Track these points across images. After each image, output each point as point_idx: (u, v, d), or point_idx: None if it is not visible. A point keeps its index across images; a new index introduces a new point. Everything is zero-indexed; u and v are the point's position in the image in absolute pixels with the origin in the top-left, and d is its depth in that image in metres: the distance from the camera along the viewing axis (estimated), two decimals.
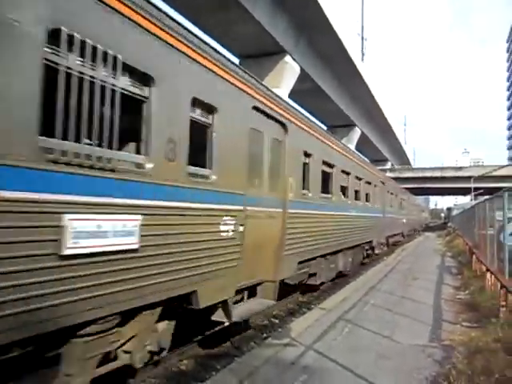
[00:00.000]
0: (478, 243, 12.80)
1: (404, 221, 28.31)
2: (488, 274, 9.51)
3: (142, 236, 3.75)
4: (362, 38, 53.92)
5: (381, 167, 45.52)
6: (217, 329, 6.95)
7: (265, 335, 7.28)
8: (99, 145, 3.43)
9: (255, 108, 6.24)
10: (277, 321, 8.27)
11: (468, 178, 53.46)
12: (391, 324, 7.26)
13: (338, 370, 5.05)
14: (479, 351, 5.12)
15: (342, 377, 4.85)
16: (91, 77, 3.33)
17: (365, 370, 5.03)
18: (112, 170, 3.51)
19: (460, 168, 60.49)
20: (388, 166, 66.54)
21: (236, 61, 19.73)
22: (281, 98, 7.27)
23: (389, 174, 43.47)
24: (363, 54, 51.52)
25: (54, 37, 3.02)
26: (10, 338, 2.81)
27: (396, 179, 38.48)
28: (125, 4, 3.58)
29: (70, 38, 3.12)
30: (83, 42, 3.21)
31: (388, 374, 4.94)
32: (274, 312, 8.75)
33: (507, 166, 57.64)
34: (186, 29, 4.50)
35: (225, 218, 5.18)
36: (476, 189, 51.23)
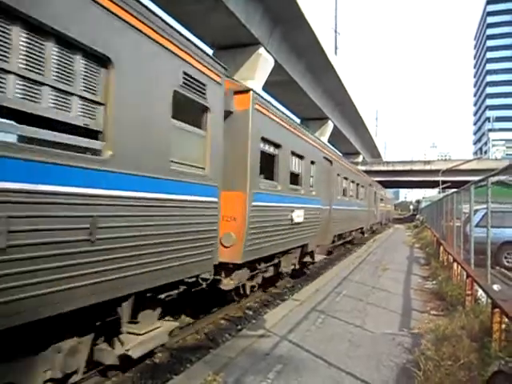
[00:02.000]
0: (446, 234, 13.25)
1: (293, 217, 9.06)
2: (455, 265, 9.85)
3: None
4: (336, 32, 54.35)
5: (352, 160, 46.22)
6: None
7: (239, 327, 7.32)
8: None
9: None
10: (251, 312, 8.32)
11: (436, 172, 55.04)
12: (363, 314, 7.43)
13: (312, 359, 5.14)
14: (446, 338, 5.32)
15: (316, 365, 4.94)
16: None
17: (337, 358, 5.15)
18: None
19: (428, 162, 62.17)
20: (360, 159, 67.63)
21: (210, 52, 19.50)
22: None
23: (360, 167, 44.14)
24: (336, 48, 51.94)
25: None
26: None
27: (367, 172, 39.15)
28: None
29: None
30: None
31: (359, 362, 5.06)
32: (247, 304, 8.79)
33: (473, 160, 59.72)
34: None
35: None
36: (443, 182, 52.84)
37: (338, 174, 15.31)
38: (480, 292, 7.14)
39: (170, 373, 5.19)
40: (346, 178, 17.09)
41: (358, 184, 20.35)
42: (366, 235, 25.81)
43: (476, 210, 8.97)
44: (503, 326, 4.91)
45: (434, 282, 10.46)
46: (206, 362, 5.00)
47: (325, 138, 40.46)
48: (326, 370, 4.84)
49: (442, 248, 13.76)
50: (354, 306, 8.02)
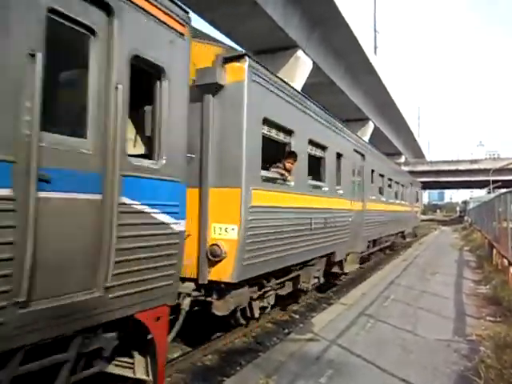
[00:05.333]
0: (499, 237, 12.62)
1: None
2: (511, 268, 9.36)
3: None
4: (375, 31, 53.29)
5: (395, 161, 45.00)
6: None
7: (286, 330, 7.29)
8: None
9: None
10: (297, 316, 8.28)
11: (484, 171, 52.70)
12: (413, 319, 7.21)
13: (364, 364, 5.04)
14: (507, 345, 5.06)
15: (368, 371, 4.84)
16: None
17: (390, 364, 5.02)
18: None
19: (475, 161, 59.61)
20: (402, 159, 65.83)
21: None
22: None
23: (403, 168, 42.71)
24: (376, 48, 50.94)
25: None
26: None
27: (410, 173, 37.94)
28: None
29: None
30: None
31: (414, 369, 4.91)
32: (293, 307, 8.76)
33: None
34: None
35: None
36: (493, 182, 50.44)
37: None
38: None
39: (222, 375, 5.24)
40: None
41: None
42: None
43: None
44: None
45: (488, 287, 9.99)
46: (256, 365, 5.01)
47: (366, 139, 39.72)
48: (378, 375, 4.73)
49: (494, 251, 13.13)
50: (403, 310, 7.79)
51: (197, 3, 19.92)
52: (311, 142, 7.73)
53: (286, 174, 6.62)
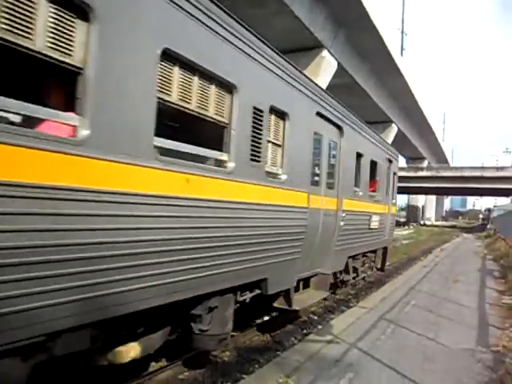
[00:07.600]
0: None
1: None
2: None
3: None
4: (403, 33, 52.37)
5: (418, 165, 44.17)
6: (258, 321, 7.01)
7: (305, 331, 7.25)
8: None
9: None
10: (315, 317, 8.23)
11: (509, 179, 51.28)
12: (435, 326, 7.08)
13: (384, 369, 4.97)
14: None
15: (389, 377, 4.77)
16: None
17: (412, 371, 4.93)
18: None
19: (501, 168, 58.02)
20: (425, 164, 64.68)
21: None
22: None
23: (425, 173, 41.90)
24: (403, 49, 50.10)
25: None
26: None
27: (433, 178, 37.26)
28: None
29: None
30: None
31: (437, 377, 4.82)
32: (311, 309, 8.70)
33: None
34: None
35: None
36: None
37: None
38: None
39: (240, 372, 5.24)
40: None
41: None
42: None
43: None
44: None
45: None
46: (276, 363, 5.00)
47: (388, 141, 39.17)
48: (400, 382, 4.65)
49: None
50: (424, 317, 7.66)
51: (226, 5, 19.99)
52: None
53: None
